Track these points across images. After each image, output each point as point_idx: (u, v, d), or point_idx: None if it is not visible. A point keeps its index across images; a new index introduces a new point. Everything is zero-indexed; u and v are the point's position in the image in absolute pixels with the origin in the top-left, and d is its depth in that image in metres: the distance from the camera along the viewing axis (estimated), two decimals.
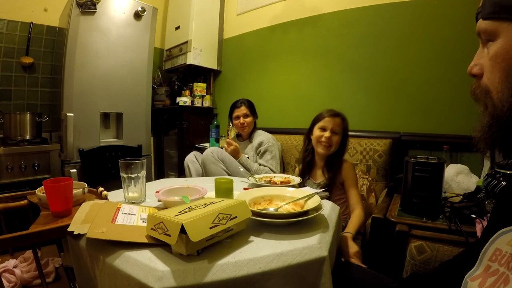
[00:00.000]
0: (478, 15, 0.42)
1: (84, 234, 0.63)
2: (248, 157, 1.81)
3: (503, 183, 0.92)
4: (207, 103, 2.66)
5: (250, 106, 1.92)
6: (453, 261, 0.56)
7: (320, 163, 1.36)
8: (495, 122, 0.40)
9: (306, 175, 1.38)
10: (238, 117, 1.91)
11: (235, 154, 1.73)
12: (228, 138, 1.82)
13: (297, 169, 1.49)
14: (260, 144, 1.84)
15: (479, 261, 0.40)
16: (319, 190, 0.95)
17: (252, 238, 0.63)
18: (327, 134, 1.28)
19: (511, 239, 0.37)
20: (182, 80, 2.86)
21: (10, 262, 0.89)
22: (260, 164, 1.78)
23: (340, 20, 1.99)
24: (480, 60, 0.43)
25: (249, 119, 1.90)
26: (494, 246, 0.39)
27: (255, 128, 1.98)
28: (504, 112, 0.38)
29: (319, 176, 1.36)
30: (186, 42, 2.47)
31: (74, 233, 0.62)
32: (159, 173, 2.79)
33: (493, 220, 0.45)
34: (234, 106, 1.95)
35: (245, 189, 1.02)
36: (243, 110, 1.90)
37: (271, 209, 0.78)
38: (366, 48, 1.88)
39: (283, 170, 1.98)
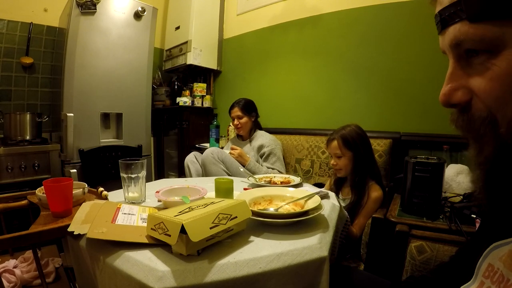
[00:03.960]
0: (453, 15, 0.29)
1: (84, 234, 0.63)
2: (256, 161, 1.80)
3: None
4: (207, 103, 2.66)
5: (245, 107, 1.91)
6: (449, 265, 0.54)
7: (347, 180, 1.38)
8: (501, 164, 0.29)
9: (336, 191, 1.39)
10: (233, 119, 1.92)
11: (243, 160, 1.72)
12: (228, 139, 1.82)
13: (328, 181, 1.52)
14: (261, 147, 1.83)
15: (474, 275, 0.39)
16: (319, 190, 0.95)
17: (252, 238, 0.63)
18: (332, 161, 1.36)
19: (503, 254, 0.34)
20: (182, 80, 2.86)
21: (10, 262, 0.89)
22: (267, 168, 1.78)
23: (340, 20, 1.99)
24: (462, 81, 0.32)
25: (243, 120, 1.90)
26: (487, 261, 0.36)
27: (255, 128, 1.97)
28: None
29: (346, 192, 1.37)
30: (186, 42, 2.47)
31: (74, 233, 0.62)
32: (159, 173, 2.79)
33: (487, 225, 0.44)
34: (230, 107, 1.95)
35: (245, 189, 1.02)
36: (236, 111, 1.90)
37: (271, 209, 0.78)
38: (366, 48, 1.88)
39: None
